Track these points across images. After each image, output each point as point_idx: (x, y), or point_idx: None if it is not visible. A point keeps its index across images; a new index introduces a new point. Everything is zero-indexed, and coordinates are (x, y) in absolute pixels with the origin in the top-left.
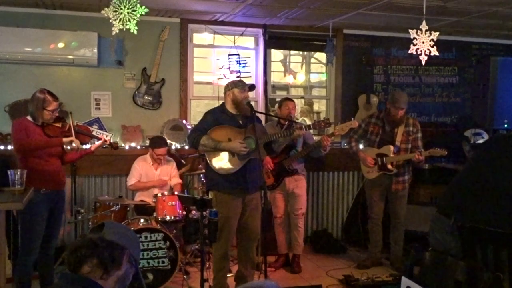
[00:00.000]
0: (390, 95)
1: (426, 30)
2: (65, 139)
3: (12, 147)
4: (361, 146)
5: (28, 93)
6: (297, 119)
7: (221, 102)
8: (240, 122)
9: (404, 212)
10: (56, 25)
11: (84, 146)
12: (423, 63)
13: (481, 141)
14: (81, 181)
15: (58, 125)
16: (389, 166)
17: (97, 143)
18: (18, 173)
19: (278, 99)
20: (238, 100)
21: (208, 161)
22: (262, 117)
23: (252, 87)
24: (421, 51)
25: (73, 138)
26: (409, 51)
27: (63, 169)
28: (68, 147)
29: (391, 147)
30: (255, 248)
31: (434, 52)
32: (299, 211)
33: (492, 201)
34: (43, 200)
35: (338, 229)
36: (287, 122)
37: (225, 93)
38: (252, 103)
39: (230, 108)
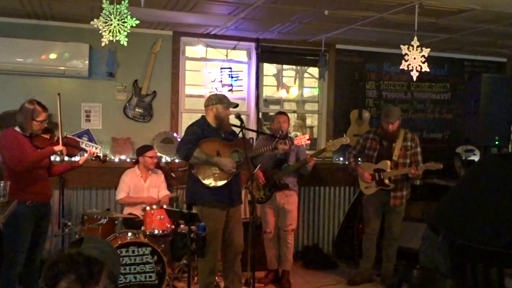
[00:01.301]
0: (382, 110)
1: (417, 46)
2: (56, 148)
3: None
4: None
5: (18, 103)
6: (290, 133)
7: None
8: (223, 135)
9: (399, 228)
10: (47, 36)
11: (72, 159)
12: (414, 79)
13: (472, 157)
14: (69, 194)
15: (47, 136)
16: (386, 181)
17: (85, 156)
18: (1, 185)
19: (270, 113)
20: (220, 116)
21: (197, 174)
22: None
23: (236, 106)
24: (412, 67)
25: (61, 147)
26: (401, 67)
27: (50, 182)
28: (58, 159)
29: (388, 162)
30: (239, 261)
31: (425, 68)
32: (289, 227)
33: (483, 219)
34: (28, 212)
35: (329, 244)
36: (278, 136)
37: (207, 105)
38: (243, 117)
39: (211, 122)
